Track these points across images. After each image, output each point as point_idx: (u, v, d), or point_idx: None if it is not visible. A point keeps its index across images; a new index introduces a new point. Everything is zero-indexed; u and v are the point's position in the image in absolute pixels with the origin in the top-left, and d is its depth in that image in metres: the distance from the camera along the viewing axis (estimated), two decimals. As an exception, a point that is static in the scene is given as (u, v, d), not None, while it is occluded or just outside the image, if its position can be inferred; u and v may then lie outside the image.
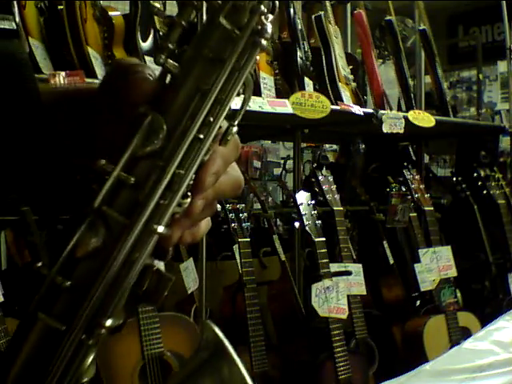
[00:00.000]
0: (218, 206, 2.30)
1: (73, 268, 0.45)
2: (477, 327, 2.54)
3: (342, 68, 2.63)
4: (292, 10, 2.47)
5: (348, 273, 2.43)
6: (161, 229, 0.45)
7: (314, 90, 2.45)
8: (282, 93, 2.36)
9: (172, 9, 2.22)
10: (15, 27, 0.57)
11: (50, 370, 0.44)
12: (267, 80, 2.31)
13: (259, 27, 0.47)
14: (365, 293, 2.49)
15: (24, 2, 1.86)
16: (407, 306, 2.83)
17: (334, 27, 2.65)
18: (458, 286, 2.80)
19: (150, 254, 0.46)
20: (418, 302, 2.81)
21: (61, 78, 1.68)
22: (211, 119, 0.47)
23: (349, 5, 3.28)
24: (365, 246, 3.05)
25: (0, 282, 1.73)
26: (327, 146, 4.19)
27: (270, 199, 3.85)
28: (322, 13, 2.62)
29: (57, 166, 0.56)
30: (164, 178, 0.45)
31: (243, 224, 2.30)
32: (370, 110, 2.56)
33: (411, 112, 2.68)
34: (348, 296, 2.39)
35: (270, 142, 4.45)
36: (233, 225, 2.28)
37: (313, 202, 2.41)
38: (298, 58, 2.44)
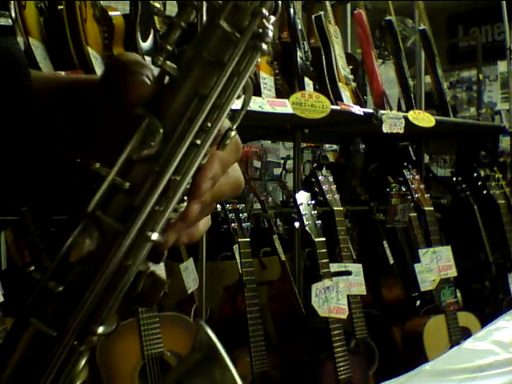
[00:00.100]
0: (218, 206, 2.30)
1: (65, 273, 0.44)
2: (477, 327, 2.54)
3: (342, 68, 2.63)
4: (292, 10, 2.47)
5: (348, 273, 2.43)
6: (155, 236, 0.44)
7: (314, 90, 2.45)
8: (282, 93, 2.35)
9: (172, 9, 2.22)
10: (11, 23, 0.57)
11: (41, 374, 0.43)
12: (267, 80, 2.31)
13: (260, 30, 0.46)
14: (365, 293, 2.49)
15: (24, 2, 1.86)
16: (407, 305, 2.83)
17: (334, 27, 2.65)
18: (458, 286, 2.80)
19: (144, 260, 0.45)
20: (418, 302, 2.81)
21: (61, 78, 1.68)
22: (209, 124, 0.46)
23: (349, 5, 3.28)
24: (365, 246, 3.05)
25: (0, 281, 1.73)
26: (327, 146, 4.19)
27: (270, 199, 3.85)
28: (322, 13, 2.62)
29: (52, 162, 0.56)
30: (159, 185, 0.44)
31: (243, 224, 2.30)
32: (370, 110, 2.56)
33: (411, 112, 2.68)
34: (348, 296, 2.39)
35: (269, 142, 4.45)
36: (233, 225, 2.28)
37: (313, 202, 2.41)
38: (298, 58, 2.44)
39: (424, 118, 2.69)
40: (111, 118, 0.49)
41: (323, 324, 2.32)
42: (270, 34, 0.46)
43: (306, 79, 2.44)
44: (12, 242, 2.06)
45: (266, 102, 2.11)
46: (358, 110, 2.45)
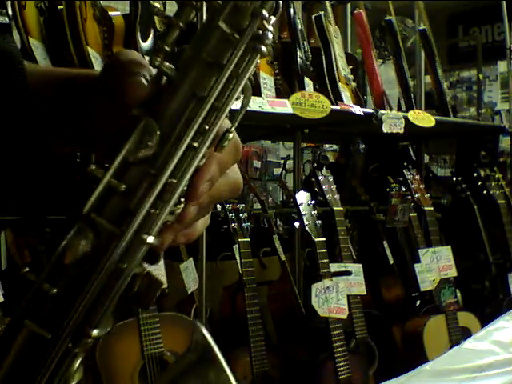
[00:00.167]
0: (218, 206, 2.30)
1: (60, 275, 0.44)
2: (477, 327, 2.54)
3: (342, 68, 2.63)
4: (292, 10, 2.47)
5: (348, 273, 2.43)
6: (150, 239, 0.44)
7: (314, 89, 2.45)
8: (282, 93, 2.35)
9: (172, 9, 2.22)
10: (7, 21, 0.57)
11: (35, 376, 0.43)
12: (267, 80, 2.31)
13: (260, 32, 0.45)
14: (365, 293, 2.49)
15: (24, 2, 1.85)
16: (407, 305, 2.83)
17: (334, 27, 2.65)
18: (458, 286, 2.80)
19: (139, 263, 0.45)
20: (418, 302, 2.81)
21: (61, 78, 1.68)
22: (207, 127, 0.45)
23: (349, 5, 3.28)
24: (365, 246, 3.05)
25: (0, 281, 1.73)
26: (327, 146, 4.19)
27: (270, 199, 3.85)
28: (322, 13, 2.62)
29: (50, 159, 0.56)
30: (155, 188, 0.44)
31: (243, 224, 2.30)
32: (370, 110, 2.56)
33: (411, 112, 2.68)
34: (348, 296, 2.39)
35: (269, 142, 4.45)
36: (233, 225, 2.28)
37: (313, 202, 2.41)
38: (298, 58, 2.44)
39: (424, 118, 2.69)
40: (109, 116, 0.48)
41: (323, 324, 2.32)
42: (270, 35, 0.45)
43: (306, 79, 2.44)
44: (12, 242, 2.06)
45: (266, 102, 2.11)
46: (358, 109, 2.45)
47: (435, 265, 2.69)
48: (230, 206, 2.31)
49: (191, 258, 2.22)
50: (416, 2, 3.15)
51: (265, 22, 0.45)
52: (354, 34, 3.06)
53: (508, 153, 3.50)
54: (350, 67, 2.70)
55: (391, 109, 2.77)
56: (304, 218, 2.36)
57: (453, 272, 2.73)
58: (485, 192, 3.04)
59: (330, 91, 2.51)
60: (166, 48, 0.45)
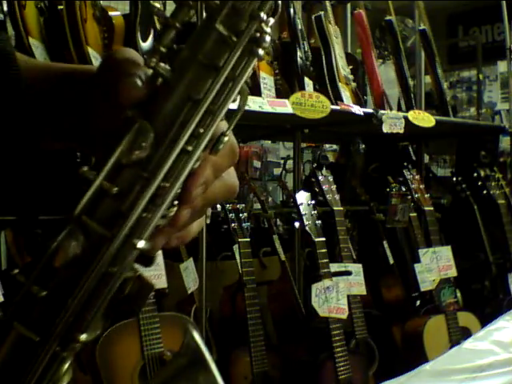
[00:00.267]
0: (218, 206, 2.30)
1: (50, 277, 0.43)
2: (477, 327, 2.54)
3: (342, 68, 2.63)
4: (292, 10, 2.47)
5: (348, 273, 2.43)
6: (141, 244, 0.43)
7: (314, 89, 2.45)
8: (282, 93, 2.35)
9: (172, 9, 2.21)
10: (3, 18, 0.57)
11: (23, 378, 0.43)
12: (267, 80, 2.31)
13: (258, 35, 0.44)
14: (365, 293, 2.49)
15: (24, 2, 1.85)
16: (407, 306, 2.83)
17: (334, 27, 2.65)
18: (458, 286, 2.80)
19: (130, 267, 0.44)
20: (418, 302, 2.81)
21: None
22: (201, 130, 0.44)
23: (349, 5, 3.28)
24: (365, 246, 3.05)
25: (0, 281, 1.73)
26: (327, 146, 4.19)
27: (270, 199, 3.85)
28: (322, 13, 2.62)
29: (41, 158, 0.55)
30: (148, 191, 0.43)
31: (243, 224, 2.30)
32: (370, 110, 2.56)
33: (411, 112, 2.68)
34: (348, 296, 2.39)
35: (269, 141, 4.45)
36: (233, 225, 2.28)
37: (313, 202, 2.41)
38: (298, 58, 2.44)
39: (424, 118, 2.69)
40: (103, 115, 0.48)
41: (323, 324, 2.32)
42: (268, 38, 0.44)
43: (306, 79, 2.44)
44: (12, 242, 2.06)
45: (266, 102, 2.11)
46: (358, 109, 2.45)
47: (435, 265, 2.69)
48: (230, 206, 2.31)
49: (191, 258, 2.22)
50: (416, 2, 3.15)
51: (263, 24, 0.44)
52: (354, 34, 3.06)
53: (508, 153, 3.50)
54: (350, 67, 2.70)
55: (391, 109, 2.77)
56: (304, 217, 2.36)
57: (453, 272, 2.73)
58: (485, 192, 3.04)
59: (329, 91, 2.51)
60: (162, 49, 0.44)
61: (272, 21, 0.45)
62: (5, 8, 1.83)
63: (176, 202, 0.46)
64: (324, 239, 2.37)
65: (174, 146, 0.44)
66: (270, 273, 2.67)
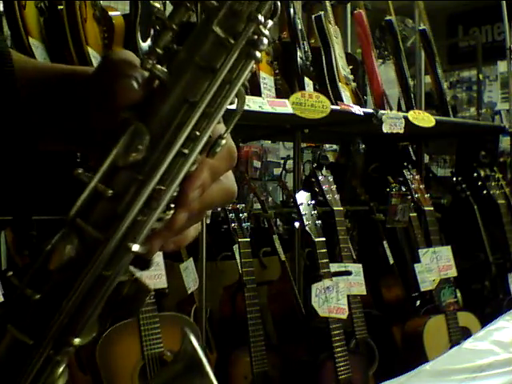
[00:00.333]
0: (218, 206, 2.29)
1: (44, 280, 0.43)
2: (477, 327, 2.54)
3: (342, 68, 2.63)
4: (292, 10, 2.47)
5: (348, 273, 2.43)
6: (136, 247, 0.43)
7: (314, 90, 2.45)
8: (282, 93, 2.36)
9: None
10: None
11: (17, 381, 0.43)
12: (267, 80, 2.31)
13: (256, 37, 0.44)
14: (365, 293, 2.49)
15: (24, 2, 1.85)
16: (407, 306, 2.83)
17: (334, 27, 2.65)
18: (458, 286, 2.80)
19: (125, 270, 0.44)
20: (418, 302, 2.81)
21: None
22: (197, 133, 0.44)
23: (349, 5, 3.28)
24: (365, 246, 3.05)
25: (0, 281, 1.73)
26: (327, 146, 4.19)
27: (270, 199, 3.85)
28: (322, 13, 2.62)
29: (37, 158, 0.55)
30: (143, 194, 0.43)
31: (243, 224, 2.30)
32: (370, 110, 2.56)
33: (411, 112, 2.68)
34: (348, 296, 2.39)
35: (269, 142, 4.45)
36: (233, 225, 2.28)
37: (313, 202, 2.41)
38: (298, 58, 2.44)
39: (424, 118, 2.69)
40: (100, 116, 0.48)
41: (323, 324, 2.33)
42: (266, 41, 0.44)
43: (306, 79, 2.45)
44: (12, 242, 2.06)
45: (266, 102, 2.11)
46: (358, 110, 2.45)
47: (435, 265, 2.69)
48: (230, 206, 2.31)
49: (191, 258, 2.22)
50: (416, 2, 3.15)
51: (261, 26, 0.44)
52: (354, 34, 3.06)
53: (508, 153, 3.50)
54: (350, 67, 2.70)
55: (391, 109, 2.77)
56: (304, 217, 2.36)
57: (453, 272, 2.73)
58: (485, 192, 3.04)
59: (329, 91, 2.51)
60: (158, 50, 0.44)
61: (271, 23, 0.45)
62: (0, 8, 1.83)
63: (173, 206, 0.46)
64: (324, 239, 2.37)
65: (169, 148, 0.43)
66: (270, 273, 2.67)
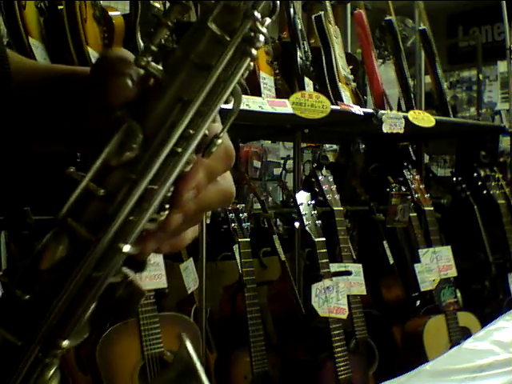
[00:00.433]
0: (218, 206, 2.29)
1: (33, 280, 0.42)
2: (477, 327, 2.54)
3: (342, 68, 2.63)
4: (292, 10, 2.47)
5: (348, 273, 2.43)
6: (127, 248, 0.42)
7: (314, 90, 2.45)
8: (282, 93, 2.35)
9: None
10: None
11: (6, 382, 0.42)
12: (267, 80, 2.31)
13: (252, 34, 0.43)
14: (365, 293, 2.49)
15: (24, 2, 1.85)
16: (407, 306, 2.83)
17: (334, 27, 2.65)
18: (458, 286, 2.80)
19: (117, 272, 0.43)
20: (418, 302, 2.81)
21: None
22: (191, 132, 0.43)
23: (349, 5, 3.28)
24: (365, 246, 3.05)
25: (0, 282, 1.72)
26: (327, 146, 4.19)
27: (270, 199, 3.85)
28: (322, 13, 2.62)
29: (31, 158, 0.55)
30: (135, 194, 0.42)
31: (243, 224, 2.30)
32: (370, 110, 2.56)
33: (411, 112, 2.68)
34: (348, 296, 2.39)
35: (269, 142, 4.45)
36: (233, 225, 2.28)
37: (313, 202, 2.41)
38: (298, 58, 2.44)
39: (424, 118, 2.69)
40: (96, 115, 0.47)
41: (323, 324, 2.32)
42: (262, 38, 0.43)
43: (306, 79, 2.44)
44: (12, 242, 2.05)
45: (266, 102, 2.11)
46: (358, 110, 2.45)
47: (435, 265, 2.69)
48: (230, 206, 2.31)
49: (191, 258, 2.22)
50: (416, 2, 3.15)
51: (258, 23, 0.43)
52: (354, 34, 3.06)
53: (508, 153, 3.51)
54: (350, 67, 2.70)
55: (391, 109, 2.77)
56: (304, 217, 2.36)
57: (453, 272, 2.73)
58: (485, 192, 3.04)
59: (330, 91, 2.51)
60: (153, 48, 0.43)
61: (268, 20, 0.44)
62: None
63: (167, 206, 0.45)
64: (324, 239, 2.37)
65: (162, 147, 0.42)
66: (270, 273, 2.67)
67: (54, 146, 0.58)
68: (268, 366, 2.25)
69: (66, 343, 0.42)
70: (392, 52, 2.95)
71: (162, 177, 0.43)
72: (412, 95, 2.93)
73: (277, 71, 2.38)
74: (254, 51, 0.43)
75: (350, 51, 3.18)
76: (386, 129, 2.51)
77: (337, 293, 2.33)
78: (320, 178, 2.49)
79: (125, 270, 0.45)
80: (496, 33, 6.03)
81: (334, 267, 2.40)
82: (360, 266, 2.48)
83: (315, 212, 2.39)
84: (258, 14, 0.43)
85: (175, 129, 0.43)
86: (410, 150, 3.32)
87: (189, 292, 2.21)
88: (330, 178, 2.51)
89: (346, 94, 2.58)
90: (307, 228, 2.36)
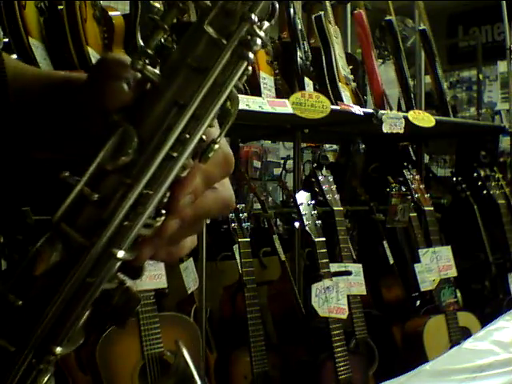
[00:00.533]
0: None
1: (26, 286, 0.42)
2: (477, 327, 2.54)
3: (342, 68, 2.63)
4: (292, 10, 2.47)
5: (348, 273, 2.43)
6: (121, 254, 0.42)
7: (314, 89, 2.45)
8: (282, 93, 2.35)
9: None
10: None
11: None
12: (267, 80, 2.31)
13: (249, 37, 0.42)
14: (365, 293, 2.49)
15: (24, 2, 1.85)
16: (407, 306, 2.83)
17: (334, 27, 2.65)
18: (458, 286, 2.80)
19: (111, 277, 0.43)
20: (418, 302, 2.81)
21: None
22: (187, 136, 0.42)
23: (349, 5, 3.28)
24: (365, 246, 3.05)
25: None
26: (327, 146, 4.19)
27: (270, 199, 3.85)
28: (322, 13, 2.62)
29: (30, 164, 0.55)
30: (129, 198, 0.41)
31: (243, 224, 2.30)
32: (370, 110, 2.56)
33: (411, 112, 2.68)
34: (348, 296, 2.39)
35: (270, 142, 4.45)
36: (233, 225, 2.28)
37: (313, 202, 2.41)
38: (298, 58, 2.44)
39: (424, 118, 2.69)
40: (93, 120, 0.47)
41: (323, 324, 2.32)
42: (259, 41, 0.42)
43: (306, 79, 2.44)
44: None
45: (266, 102, 2.10)
46: (358, 109, 2.45)
47: (435, 265, 2.69)
48: (230, 206, 2.31)
49: (191, 258, 2.22)
50: (416, 2, 3.15)
51: (255, 26, 0.42)
52: (354, 34, 3.06)
53: (508, 153, 3.51)
54: (350, 67, 2.70)
55: (391, 109, 2.77)
56: (304, 217, 2.36)
57: (453, 272, 2.73)
58: (485, 192, 3.04)
59: (330, 91, 2.51)
60: (149, 51, 0.43)
61: (267, 24, 0.44)
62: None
63: (164, 212, 0.44)
64: (324, 239, 2.37)
65: (158, 151, 0.42)
66: (270, 273, 2.67)
67: (53, 152, 0.58)
68: (268, 365, 2.25)
69: (59, 350, 0.42)
70: (392, 52, 2.95)
71: (157, 181, 0.42)
72: (412, 95, 2.93)
73: (277, 71, 2.38)
74: (251, 55, 0.43)
75: (350, 51, 3.18)
76: (385, 129, 2.51)
77: (337, 293, 2.33)
78: (320, 178, 2.49)
79: (121, 277, 0.44)
80: (496, 33, 6.02)
81: (334, 267, 2.40)
82: (360, 266, 2.48)
83: (315, 212, 2.39)
84: (255, 17, 0.42)
85: (171, 133, 0.42)
86: (410, 150, 3.32)
87: (189, 292, 2.21)
88: (330, 178, 2.51)
89: (345, 94, 2.58)
90: (307, 228, 2.36)
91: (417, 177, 2.84)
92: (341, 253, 2.46)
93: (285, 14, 2.47)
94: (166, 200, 0.44)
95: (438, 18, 5.09)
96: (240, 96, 0.46)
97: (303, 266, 2.70)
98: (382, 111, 2.55)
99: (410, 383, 1.18)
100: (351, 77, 2.67)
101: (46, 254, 0.42)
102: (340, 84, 2.57)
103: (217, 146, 0.44)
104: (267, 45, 2.32)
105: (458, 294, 2.79)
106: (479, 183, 3.06)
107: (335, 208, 2.47)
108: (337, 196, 2.50)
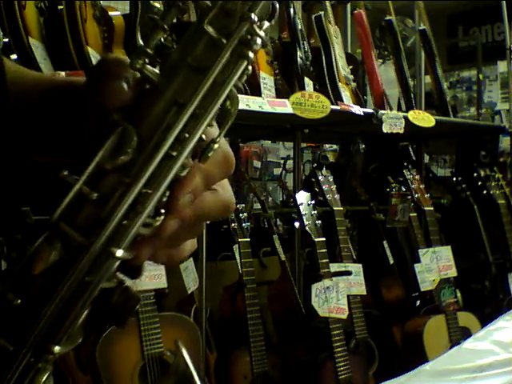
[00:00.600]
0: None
1: (25, 285, 0.42)
2: (477, 327, 2.54)
3: (342, 68, 2.63)
4: (292, 10, 2.47)
5: (348, 273, 2.43)
6: (120, 253, 0.42)
7: (314, 90, 2.45)
8: (282, 93, 2.35)
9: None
10: None
11: None
12: (267, 80, 2.31)
13: (248, 37, 0.42)
14: (365, 293, 2.49)
15: (24, 2, 1.85)
16: (407, 306, 2.83)
17: (334, 27, 2.65)
18: (458, 286, 2.80)
19: (110, 277, 0.43)
20: (418, 302, 2.81)
21: (61, 78, 1.68)
22: (186, 135, 0.42)
23: (349, 5, 3.28)
24: (365, 246, 3.05)
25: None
26: (327, 146, 4.19)
27: (270, 199, 3.85)
28: (322, 13, 2.62)
29: (30, 167, 0.55)
30: (128, 197, 0.41)
31: (243, 224, 2.30)
32: (370, 110, 2.56)
33: (411, 112, 2.68)
34: (348, 296, 2.39)
35: (269, 142, 4.45)
36: (233, 225, 2.28)
37: (313, 202, 2.41)
38: (298, 58, 2.44)
39: (424, 118, 2.69)
40: (92, 122, 0.47)
41: (323, 324, 2.32)
42: (259, 41, 0.42)
43: (306, 79, 2.44)
44: (12, 242, 2.05)
45: (266, 102, 2.10)
46: (358, 110, 2.45)
47: (435, 265, 2.69)
48: (230, 206, 2.30)
49: (191, 258, 2.22)
50: (416, 2, 3.15)
51: (255, 26, 0.42)
52: (354, 34, 3.06)
53: (508, 153, 3.51)
54: (350, 67, 2.70)
55: (391, 109, 2.77)
56: (304, 217, 2.36)
57: (453, 272, 2.73)
58: (485, 192, 3.04)
59: (330, 91, 2.51)
60: (149, 50, 0.43)
61: (267, 24, 0.44)
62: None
63: (163, 211, 0.44)
64: (324, 239, 2.37)
65: (157, 150, 0.42)
66: (270, 273, 2.67)
67: (53, 156, 0.57)
68: (268, 366, 2.25)
69: (57, 349, 0.42)
70: (392, 52, 2.95)
71: (156, 180, 0.42)
72: (412, 95, 2.93)
73: (277, 71, 2.38)
74: (251, 54, 0.43)
75: (350, 51, 3.18)
76: (385, 129, 2.51)
77: (337, 293, 2.33)
78: (320, 178, 2.49)
79: (120, 276, 0.44)
80: (496, 33, 6.02)
81: (334, 267, 2.40)
82: (360, 265, 2.48)
83: (315, 212, 2.39)
84: (254, 17, 0.42)
85: (170, 132, 0.42)
86: (410, 150, 3.32)
87: (189, 292, 2.21)
88: (330, 178, 2.51)
89: (345, 94, 2.58)
90: (307, 228, 2.36)
91: (417, 177, 2.84)
92: (341, 253, 2.46)
93: (285, 13, 2.47)
94: (165, 199, 0.44)
95: (438, 18, 5.08)
96: (240, 96, 0.46)
97: (303, 265, 2.70)
98: (382, 111, 2.55)
99: (409, 383, 1.18)
100: (351, 77, 2.67)
101: (44, 253, 0.42)
102: (340, 84, 2.57)
103: (216, 146, 0.44)
104: (267, 44, 2.32)
105: (458, 294, 2.79)
106: (479, 183, 3.06)
107: (335, 208, 2.47)
108: (337, 196, 2.50)
